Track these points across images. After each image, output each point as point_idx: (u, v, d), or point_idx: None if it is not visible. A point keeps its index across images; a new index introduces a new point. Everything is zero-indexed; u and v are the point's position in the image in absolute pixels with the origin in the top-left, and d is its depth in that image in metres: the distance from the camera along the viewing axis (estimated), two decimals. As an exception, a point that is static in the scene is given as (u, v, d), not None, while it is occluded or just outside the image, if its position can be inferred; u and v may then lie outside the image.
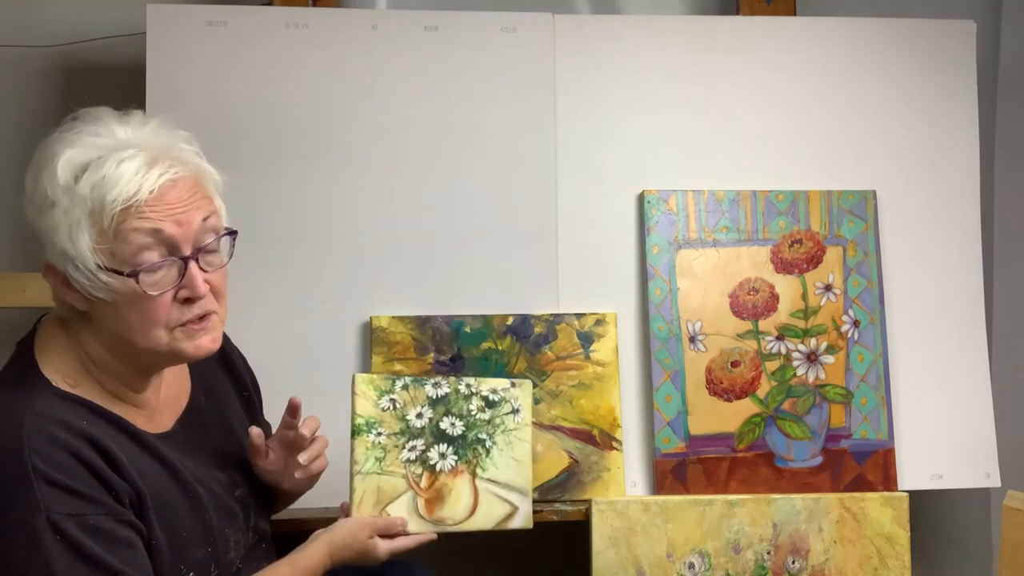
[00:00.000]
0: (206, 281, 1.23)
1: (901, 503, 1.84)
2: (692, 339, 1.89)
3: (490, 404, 1.61)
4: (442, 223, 1.89)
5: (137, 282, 1.17)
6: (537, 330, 1.87)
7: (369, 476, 1.52)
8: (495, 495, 1.58)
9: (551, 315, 1.88)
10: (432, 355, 1.85)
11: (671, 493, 1.84)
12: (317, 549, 1.40)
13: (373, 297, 1.86)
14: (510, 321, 1.87)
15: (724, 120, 1.96)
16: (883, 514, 1.83)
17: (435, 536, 1.54)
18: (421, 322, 1.85)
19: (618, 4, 2.20)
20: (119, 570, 1.15)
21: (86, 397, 1.21)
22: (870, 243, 1.94)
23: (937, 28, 2.01)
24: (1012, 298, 2.18)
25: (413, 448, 1.55)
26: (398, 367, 1.83)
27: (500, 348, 1.86)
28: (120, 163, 1.16)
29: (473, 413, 1.59)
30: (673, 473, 1.85)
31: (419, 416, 1.57)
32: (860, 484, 1.87)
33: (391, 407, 1.55)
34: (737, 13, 2.09)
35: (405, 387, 1.57)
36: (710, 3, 2.21)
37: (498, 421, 1.60)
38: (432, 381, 1.59)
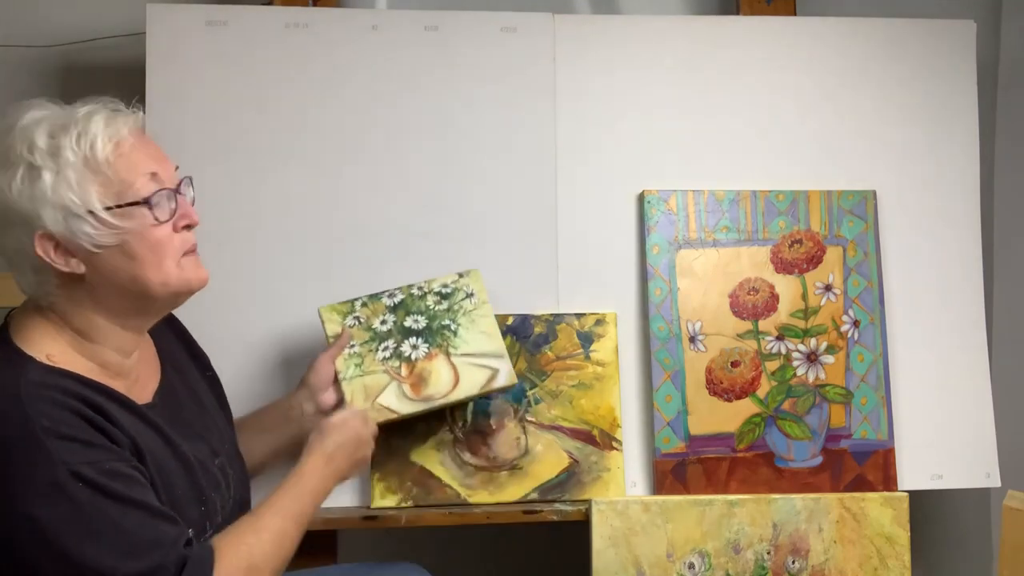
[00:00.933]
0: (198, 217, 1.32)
1: (901, 503, 1.84)
2: (692, 339, 1.89)
3: (445, 296, 1.76)
4: (442, 223, 1.89)
5: (150, 208, 1.24)
6: (537, 330, 1.87)
7: (354, 380, 1.67)
8: (473, 365, 1.70)
9: (551, 315, 1.88)
10: (432, 355, 1.85)
11: (671, 493, 1.84)
12: (312, 464, 1.41)
13: (373, 297, 1.86)
14: (510, 321, 1.87)
15: (724, 120, 1.96)
16: (883, 514, 1.83)
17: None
18: (421, 322, 1.86)
19: (618, 4, 2.20)
20: (144, 502, 1.19)
21: (71, 370, 1.24)
22: (870, 243, 1.94)
23: (937, 28, 2.01)
24: (1012, 298, 2.18)
25: (386, 348, 1.70)
26: (398, 367, 1.83)
27: (500, 348, 1.86)
28: (88, 116, 1.24)
29: (431, 307, 1.74)
30: (673, 473, 1.85)
31: (383, 323, 1.73)
32: (860, 484, 1.87)
33: (356, 324, 1.72)
34: (737, 13, 2.09)
35: (364, 304, 1.74)
36: (710, 3, 2.21)
37: (456, 307, 1.75)
38: (387, 292, 1.76)
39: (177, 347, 1.49)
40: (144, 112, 1.32)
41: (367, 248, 1.87)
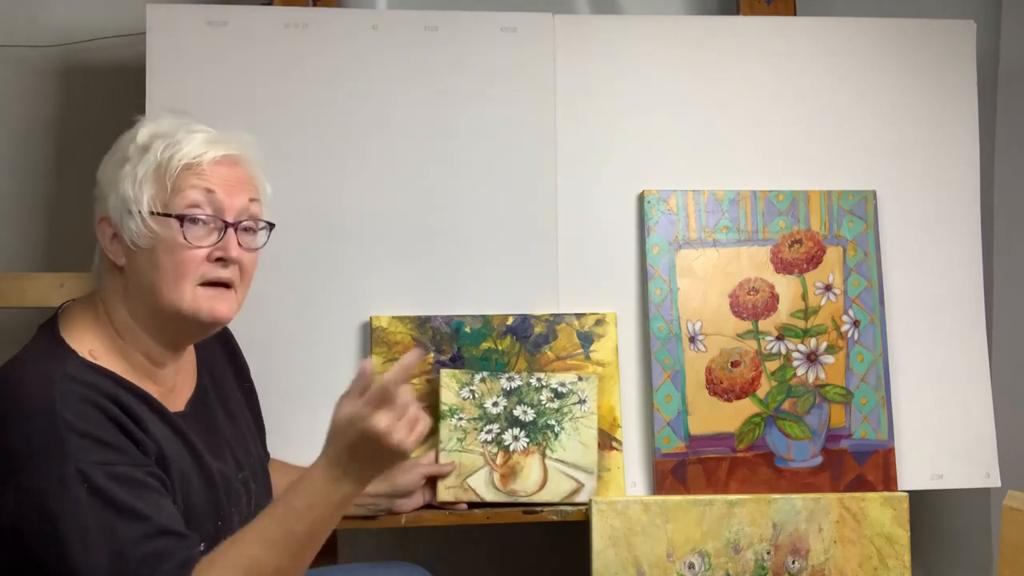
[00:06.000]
0: (238, 256, 1.32)
1: (901, 503, 1.84)
2: (692, 339, 1.89)
3: (559, 395, 1.80)
4: (442, 223, 1.89)
5: (181, 226, 1.27)
6: (537, 330, 1.87)
7: (452, 453, 1.76)
8: (563, 473, 1.78)
9: (551, 315, 1.88)
10: (432, 355, 1.85)
11: (671, 493, 1.84)
12: (322, 476, 1.23)
13: (373, 297, 1.86)
14: (510, 321, 1.87)
15: (724, 120, 1.96)
16: (883, 514, 1.83)
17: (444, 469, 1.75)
18: (421, 322, 1.85)
19: (618, 4, 2.20)
20: (147, 514, 1.19)
21: (110, 369, 1.27)
22: (870, 243, 1.94)
23: (937, 28, 2.01)
24: (1012, 298, 2.19)
25: (490, 431, 1.78)
26: (398, 367, 1.83)
27: (500, 348, 1.86)
28: (192, 133, 1.31)
29: (543, 403, 1.80)
30: (673, 473, 1.85)
31: (495, 404, 1.79)
32: (860, 484, 1.87)
33: (471, 397, 1.79)
34: (737, 13, 2.09)
35: (483, 380, 1.80)
36: (710, 3, 2.21)
37: (566, 410, 1.80)
38: (507, 375, 1.81)
39: (219, 354, 1.50)
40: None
41: (366, 247, 1.87)
